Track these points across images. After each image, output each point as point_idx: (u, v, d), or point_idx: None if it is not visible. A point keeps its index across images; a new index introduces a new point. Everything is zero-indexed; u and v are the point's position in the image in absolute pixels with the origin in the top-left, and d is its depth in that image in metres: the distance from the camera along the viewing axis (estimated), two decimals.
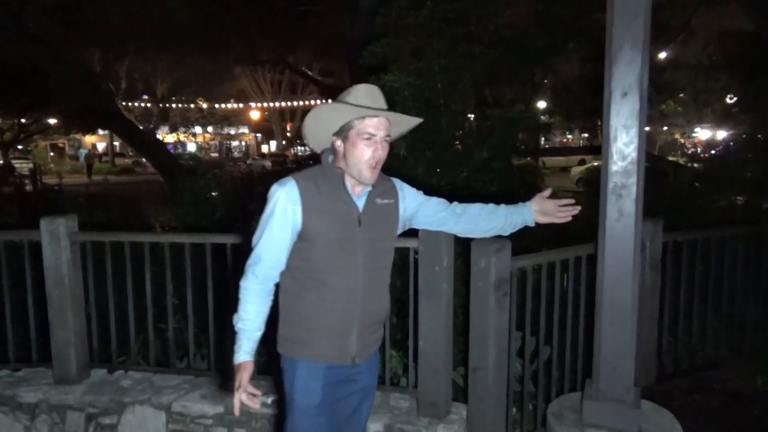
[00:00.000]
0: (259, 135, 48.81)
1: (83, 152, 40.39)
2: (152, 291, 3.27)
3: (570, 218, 2.13)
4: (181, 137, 39.94)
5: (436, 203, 2.10)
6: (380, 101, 1.86)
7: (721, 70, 12.72)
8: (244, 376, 1.75)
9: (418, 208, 2.06)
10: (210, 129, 41.85)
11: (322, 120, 1.87)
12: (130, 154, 37.63)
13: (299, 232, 1.83)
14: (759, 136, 7.80)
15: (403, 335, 3.21)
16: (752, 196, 6.30)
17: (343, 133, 1.84)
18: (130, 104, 26.39)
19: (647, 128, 2.52)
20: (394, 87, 4.45)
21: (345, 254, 1.84)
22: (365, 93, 1.85)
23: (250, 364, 1.79)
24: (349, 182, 1.87)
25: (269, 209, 1.83)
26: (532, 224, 2.15)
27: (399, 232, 2.05)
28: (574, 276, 2.99)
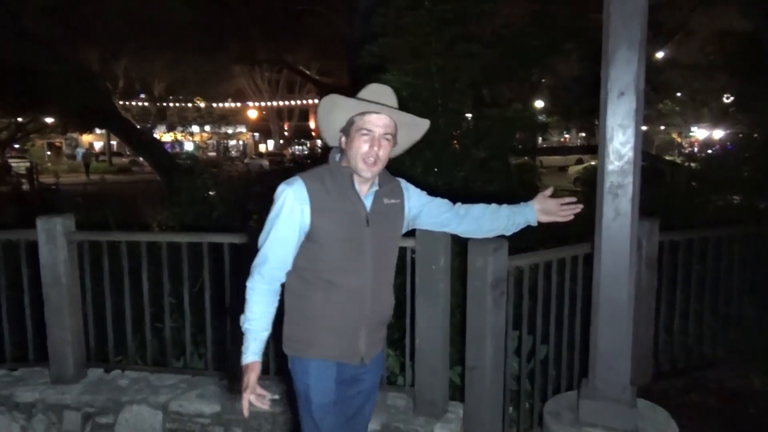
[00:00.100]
0: (256, 134, 48.77)
1: (80, 151, 40.25)
2: (149, 290, 3.27)
3: (572, 217, 2.13)
4: (179, 136, 39.89)
5: (440, 204, 2.10)
6: (387, 100, 1.86)
7: (719, 70, 12.75)
8: (252, 377, 1.73)
9: (423, 209, 2.06)
10: (207, 128, 41.80)
11: (327, 114, 1.88)
12: (128, 153, 37.57)
13: (307, 232, 1.82)
14: (756, 135, 7.82)
15: (400, 334, 3.21)
16: (749, 195, 6.31)
17: (346, 129, 1.85)
18: (127, 103, 26.36)
19: (644, 128, 2.53)
20: (392, 87, 4.44)
21: (353, 254, 1.84)
22: (372, 90, 1.87)
23: (257, 364, 1.77)
24: (357, 182, 1.86)
25: (276, 209, 1.81)
26: (534, 224, 2.15)
27: (403, 232, 2.05)
28: (570, 275, 2.99)
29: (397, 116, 1.87)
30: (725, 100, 15.25)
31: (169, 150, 24.47)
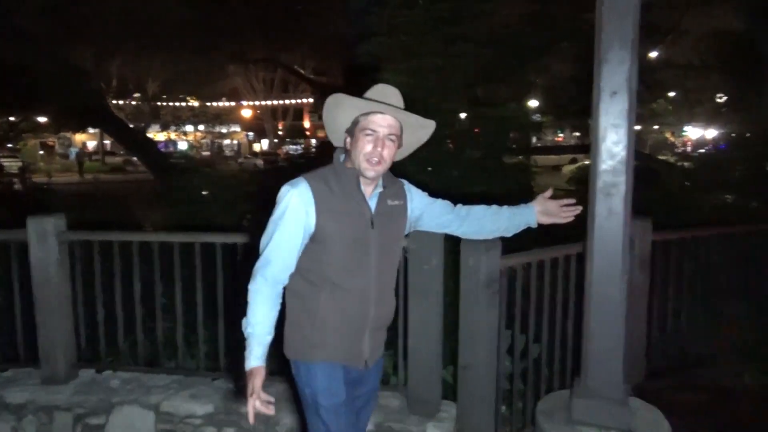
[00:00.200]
0: (251, 134, 48.67)
1: (73, 150, 40.04)
2: (141, 290, 3.25)
3: (573, 218, 2.13)
4: (172, 135, 39.75)
5: (442, 206, 2.09)
6: (393, 101, 1.84)
7: (712, 70, 12.80)
8: (257, 382, 1.67)
9: (425, 210, 2.05)
10: (202, 127, 41.68)
11: (332, 114, 1.86)
12: (121, 152, 37.43)
13: (312, 234, 1.79)
14: (748, 135, 7.86)
15: (393, 334, 3.20)
16: (741, 195, 6.34)
17: (351, 129, 1.84)
18: (121, 102, 26.24)
19: (638, 127, 2.53)
20: None
21: (359, 255, 1.82)
22: (378, 90, 1.85)
23: (262, 369, 1.71)
24: (362, 183, 1.84)
25: (280, 210, 1.77)
26: (534, 225, 2.14)
27: (405, 233, 2.04)
28: (563, 274, 2.99)
29: (403, 117, 1.84)
30: (718, 100, 15.31)
31: (163, 149, 24.40)
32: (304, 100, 39.24)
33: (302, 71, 25.38)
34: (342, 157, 1.89)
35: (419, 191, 2.06)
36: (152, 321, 3.39)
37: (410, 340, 2.72)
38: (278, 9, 14.42)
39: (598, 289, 2.42)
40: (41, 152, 39.86)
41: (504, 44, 5.77)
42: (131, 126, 18.85)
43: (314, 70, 27.16)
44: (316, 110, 35.50)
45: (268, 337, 1.75)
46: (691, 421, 3.04)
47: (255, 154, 39.02)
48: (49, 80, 11.53)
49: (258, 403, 1.64)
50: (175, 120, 35.83)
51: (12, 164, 25.71)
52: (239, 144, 50.43)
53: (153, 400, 3.00)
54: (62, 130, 27.79)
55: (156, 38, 14.16)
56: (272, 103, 40.94)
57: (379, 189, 1.87)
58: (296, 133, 43.60)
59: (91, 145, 44.90)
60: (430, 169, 4.75)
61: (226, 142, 50.65)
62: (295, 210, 1.76)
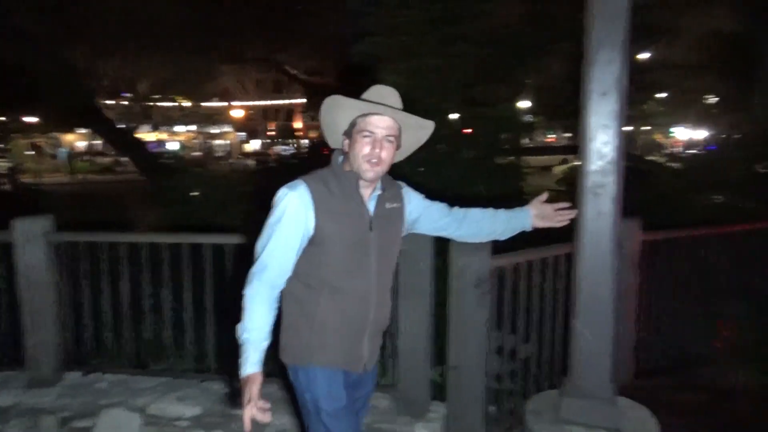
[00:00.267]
0: (243, 134, 48.52)
1: (62, 151, 39.69)
2: (130, 292, 3.22)
3: (568, 222, 2.12)
4: (164, 135, 39.57)
5: (439, 208, 2.07)
6: (391, 101, 1.82)
7: (706, 71, 12.87)
8: (254, 389, 1.61)
9: (422, 212, 2.03)
10: (194, 127, 41.50)
11: (329, 115, 1.84)
12: (112, 153, 37.19)
13: (311, 237, 1.76)
14: (739, 136, 7.92)
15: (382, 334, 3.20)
16: (732, 195, 6.38)
17: (349, 131, 1.82)
18: (111, 102, 26.07)
19: (630, 128, 2.54)
20: None
21: (359, 257, 1.80)
22: (375, 92, 1.83)
23: (259, 375, 1.65)
24: (361, 185, 1.82)
25: (278, 214, 1.74)
26: (529, 229, 2.13)
27: (402, 235, 2.01)
28: (553, 275, 3.00)
29: (401, 117, 1.82)
30: (709, 101, 15.43)
31: (154, 149, 24.27)
32: (296, 101, 39.16)
33: (296, 72, 25.34)
34: (340, 159, 1.87)
35: (417, 194, 2.04)
36: (140, 323, 3.37)
37: (400, 341, 2.71)
38: (278, 9, 14.40)
39: (586, 289, 2.43)
40: (32, 153, 39.54)
41: (503, 44, 5.77)
42: (122, 126, 18.72)
43: (308, 70, 27.11)
44: (308, 111, 35.42)
45: (264, 342, 1.70)
46: (688, 420, 3.04)
47: (246, 155, 38.90)
48: (48, 80, 11.44)
49: (255, 410, 1.59)
50: (166, 120, 35.63)
51: (1, 165, 25.48)
52: (230, 145, 50.27)
53: (140, 403, 2.97)
54: (54, 130, 27.59)
55: (156, 38, 14.07)
56: (264, 104, 40.84)
57: (378, 191, 1.85)
58: (288, 133, 43.52)
59: (80, 145, 44.60)
60: (422, 169, 4.75)
61: (218, 142, 50.46)
62: (294, 213, 1.73)
